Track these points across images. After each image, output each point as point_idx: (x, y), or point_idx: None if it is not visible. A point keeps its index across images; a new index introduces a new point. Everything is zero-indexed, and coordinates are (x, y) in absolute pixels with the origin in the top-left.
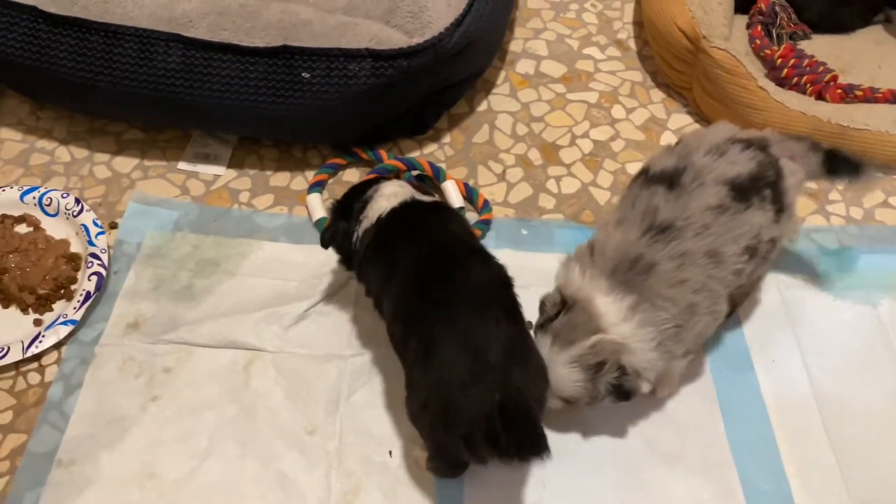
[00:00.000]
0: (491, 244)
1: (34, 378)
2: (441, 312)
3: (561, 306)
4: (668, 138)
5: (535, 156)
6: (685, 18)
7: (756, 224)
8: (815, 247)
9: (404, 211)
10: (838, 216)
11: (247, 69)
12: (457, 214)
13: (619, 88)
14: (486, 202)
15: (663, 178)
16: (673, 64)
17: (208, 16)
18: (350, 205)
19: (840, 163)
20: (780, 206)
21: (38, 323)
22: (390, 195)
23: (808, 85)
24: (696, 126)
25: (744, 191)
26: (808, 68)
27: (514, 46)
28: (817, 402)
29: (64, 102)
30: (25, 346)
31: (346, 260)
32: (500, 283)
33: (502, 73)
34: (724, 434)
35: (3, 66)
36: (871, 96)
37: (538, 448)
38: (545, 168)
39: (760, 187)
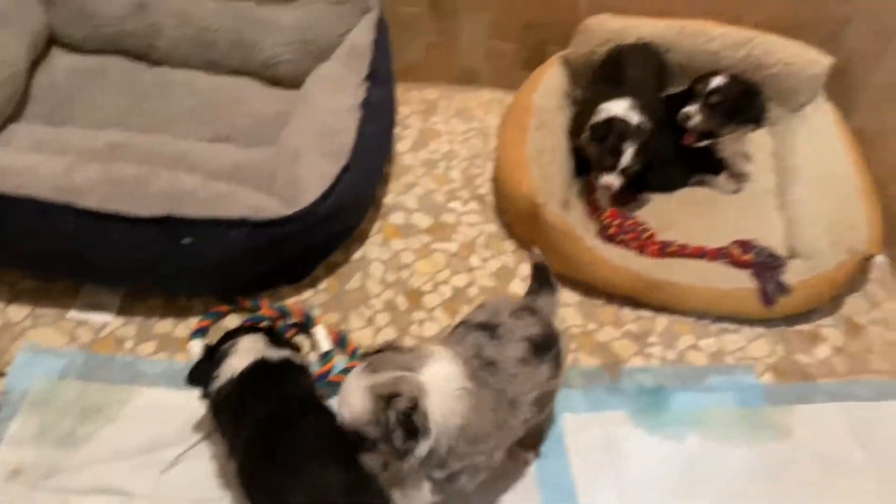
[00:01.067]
0: None
1: None
2: (282, 467)
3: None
4: (516, 286)
5: (401, 301)
6: (528, 185)
7: (544, 377)
8: (636, 386)
9: (252, 373)
10: (656, 357)
11: (134, 235)
12: (301, 370)
13: (477, 239)
14: (354, 350)
15: (484, 328)
16: (520, 221)
17: (102, 185)
18: (213, 354)
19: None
20: (558, 363)
21: None
22: (243, 353)
23: (631, 242)
24: None
25: (540, 348)
26: (630, 228)
27: (389, 199)
28: None
29: None
30: None
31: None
32: (335, 434)
33: (377, 224)
34: None
35: None
36: (682, 252)
37: None
38: (410, 313)
39: (550, 345)
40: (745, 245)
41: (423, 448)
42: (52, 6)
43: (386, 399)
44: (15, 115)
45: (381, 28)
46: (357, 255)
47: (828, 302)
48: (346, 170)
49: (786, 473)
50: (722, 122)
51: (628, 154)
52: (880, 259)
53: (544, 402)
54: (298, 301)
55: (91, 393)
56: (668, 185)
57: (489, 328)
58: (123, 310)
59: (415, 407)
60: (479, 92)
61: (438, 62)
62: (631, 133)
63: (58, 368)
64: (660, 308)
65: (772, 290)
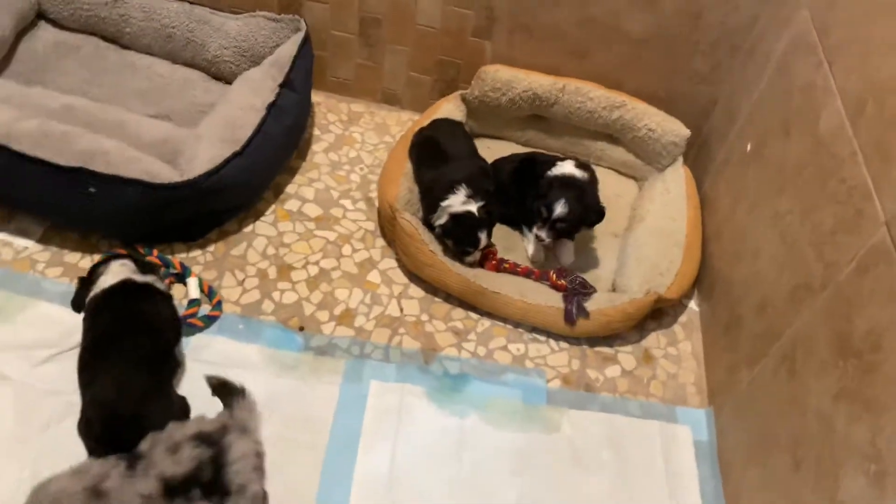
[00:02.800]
0: (213, 331)
1: None
2: (104, 363)
3: None
4: (375, 276)
5: (272, 272)
6: (392, 194)
7: None
8: (442, 369)
9: (116, 288)
10: (468, 351)
11: (53, 178)
12: (160, 295)
13: (355, 233)
14: (219, 302)
15: (124, 458)
16: (385, 223)
17: (35, 136)
18: (91, 275)
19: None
20: (223, 493)
21: None
22: (115, 273)
23: None
24: (397, 270)
25: (172, 490)
26: None
27: (290, 188)
28: (390, 481)
29: None
30: None
31: None
32: (155, 351)
33: (273, 206)
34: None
35: None
36: (513, 269)
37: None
38: (276, 282)
39: (189, 487)
40: (562, 272)
41: None
42: None
43: None
44: None
45: (306, 46)
46: (248, 228)
47: (631, 332)
48: (235, 156)
49: (540, 458)
50: (568, 234)
51: (483, 238)
52: (693, 306)
53: None
54: (187, 257)
55: None
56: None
57: (128, 459)
58: (44, 239)
59: None
60: (399, 113)
61: (366, 81)
62: (479, 223)
63: None
64: (486, 313)
65: (573, 312)
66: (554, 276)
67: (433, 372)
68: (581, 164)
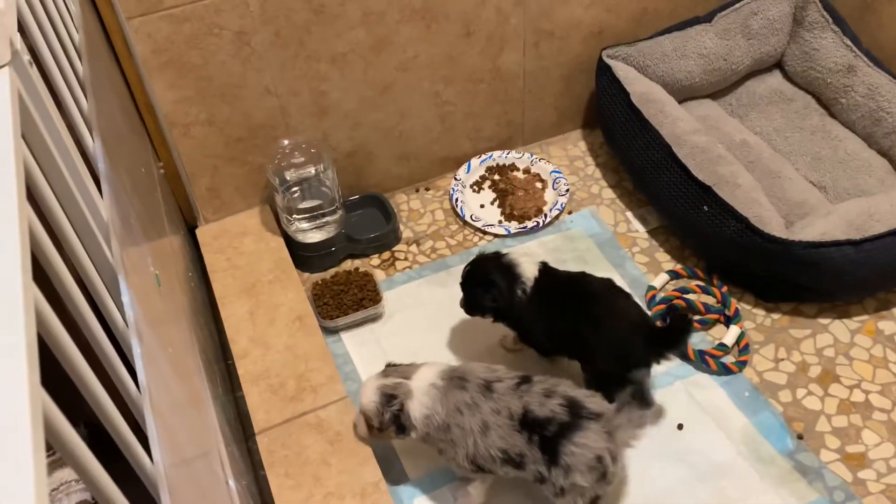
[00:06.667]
0: (720, 381)
1: None
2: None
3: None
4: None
5: (814, 370)
6: None
7: (518, 447)
8: None
9: (546, 273)
10: None
11: (684, 185)
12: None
13: None
14: (744, 362)
15: (519, 377)
16: None
17: (696, 148)
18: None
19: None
20: (553, 458)
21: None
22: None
23: None
24: None
25: (526, 423)
26: None
27: None
28: None
29: None
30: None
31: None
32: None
33: (866, 317)
34: None
35: None
36: None
37: None
38: (810, 381)
39: (535, 430)
40: None
41: (412, 435)
42: (793, 42)
43: (387, 397)
44: (712, 95)
45: None
46: (824, 320)
47: None
48: (849, 243)
49: None
50: None
51: None
52: None
53: (527, 469)
54: (749, 311)
55: (591, 247)
56: None
57: (525, 380)
58: (652, 232)
59: (402, 409)
60: None
61: None
62: None
63: (595, 229)
64: None
65: None
66: None
67: None
68: None
